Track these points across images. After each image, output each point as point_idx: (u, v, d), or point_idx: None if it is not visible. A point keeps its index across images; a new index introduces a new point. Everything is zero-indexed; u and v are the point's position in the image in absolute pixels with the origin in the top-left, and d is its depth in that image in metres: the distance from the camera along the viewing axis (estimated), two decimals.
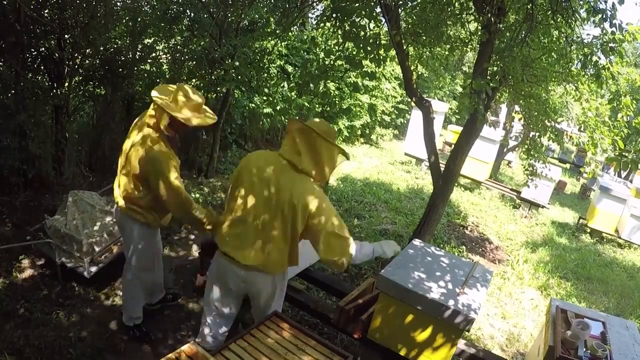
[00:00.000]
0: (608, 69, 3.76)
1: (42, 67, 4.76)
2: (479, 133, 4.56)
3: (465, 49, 4.99)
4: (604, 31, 3.52)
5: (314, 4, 5.27)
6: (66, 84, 4.91)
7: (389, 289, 2.53)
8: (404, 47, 4.29)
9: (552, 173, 8.44)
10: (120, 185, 2.87)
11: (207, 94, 6.53)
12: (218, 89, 6.25)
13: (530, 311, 4.95)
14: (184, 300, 3.75)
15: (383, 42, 4.20)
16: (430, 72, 11.41)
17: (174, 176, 2.63)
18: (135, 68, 5.84)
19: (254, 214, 2.27)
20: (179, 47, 6.26)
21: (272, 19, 6.62)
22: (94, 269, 3.52)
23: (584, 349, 2.51)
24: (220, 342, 2.61)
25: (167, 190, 2.63)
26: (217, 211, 2.89)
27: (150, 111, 2.70)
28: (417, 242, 3.15)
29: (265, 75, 7.22)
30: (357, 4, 4.00)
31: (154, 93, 2.68)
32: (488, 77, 3.75)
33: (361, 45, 4.06)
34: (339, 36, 4.31)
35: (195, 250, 4.56)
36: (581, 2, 3.84)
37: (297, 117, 2.76)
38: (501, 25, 3.71)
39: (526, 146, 5.42)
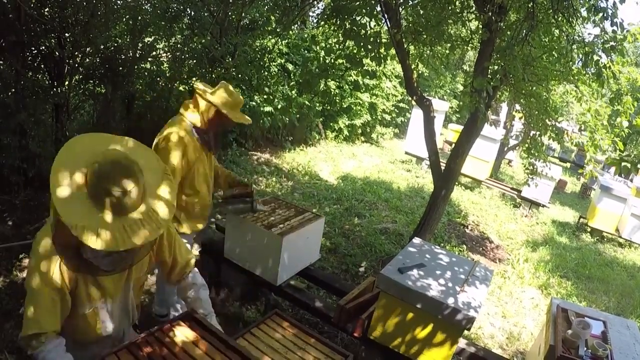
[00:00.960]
0: (609, 67, 3.76)
1: (43, 66, 4.75)
2: (480, 132, 4.56)
3: (466, 47, 4.98)
4: (605, 30, 3.52)
5: (315, 2, 5.26)
6: (66, 83, 4.91)
7: (389, 287, 2.53)
8: (405, 46, 4.29)
9: (552, 172, 8.43)
10: None
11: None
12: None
13: (531, 310, 4.95)
14: None
15: (383, 40, 4.20)
16: (430, 71, 11.42)
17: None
18: (136, 67, 5.84)
19: None
20: (179, 45, 6.26)
21: (272, 18, 6.62)
22: None
23: (585, 348, 2.51)
24: None
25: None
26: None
27: (189, 103, 2.68)
28: (417, 240, 3.15)
29: (266, 73, 7.22)
30: (357, 3, 4.00)
31: (199, 86, 2.66)
32: (489, 75, 3.75)
33: (362, 43, 4.05)
34: (340, 35, 4.31)
35: (196, 249, 4.56)
36: (582, 1, 3.84)
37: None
38: (502, 24, 3.71)
39: (527, 145, 5.42)
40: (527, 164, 5.58)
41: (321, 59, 6.37)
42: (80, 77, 5.26)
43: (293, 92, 8.63)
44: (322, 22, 4.47)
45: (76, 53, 4.95)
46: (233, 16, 6.18)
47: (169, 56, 6.44)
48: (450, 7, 4.25)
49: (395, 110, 13.08)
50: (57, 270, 1.57)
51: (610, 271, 6.84)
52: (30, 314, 1.56)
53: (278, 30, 5.93)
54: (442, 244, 5.90)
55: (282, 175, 7.41)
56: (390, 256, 4.93)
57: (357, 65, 4.39)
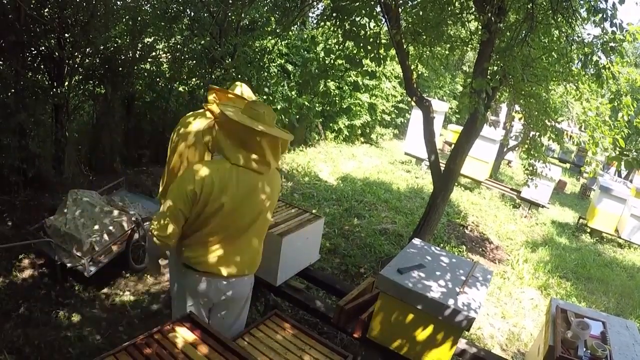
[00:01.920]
0: (608, 68, 3.76)
1: (42, 66, 4.75)
2: (479, 133, 4.56)
3: (465, 48, 4.99)
4: (604, 31, 3.52)
5: (314, 3, 5.26)
6: (66, 83, 4.91)
7: (388, 288, 2.53)
8: (404, 47, 4.29)
9: (552, 173, 8.43)
10: None
11: (206, 93, 6.53)
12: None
13: (530, 311, 4.95)
14: None
15: (383, 41, 4.20)
16: (430, 72, 11.41)
17: None
18: (135, 67, 5.84)
19: (239, 229, 2.14)
20: (179, 46, 6.26)
21: (272, 18, 6.62)
22: (93, 268, 3.51)
23: (584, 349, 2.51)
24: None
25: None
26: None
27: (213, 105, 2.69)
28: (417, 241, 3.15)
29: (266, 74, 7.21)
30: (357, 3, 4.00)
31: (240, 89, 2.71)
32: (488, 76, 3.75)
33: (361, 44, 4.06)
34: (339, 35, 4.31)
35: None
36: (581, 2, 3.84)
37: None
38: (501, 25, 3.71)
39: (526, 146, 5.42)
40: (527, 164, 5.58)
41: (321, 59, 6.39)
42: (80, 77, 5.27)
43: (293, 92, 8.63)
44: (322, 23, 4.48)
45: (76, 53, 4.95)
46: (233, 17, 6.18)
47: (169, 57, 6.44)
48: (449, 8, 4.26)
49: (395, 110, 13.08)
50: None
51: (609, 272, 6.84)
52: None
53: (278, 31, 5.93)
54: (441, 245, 5.90)
55: (281, 176, 7.42)
56: (389, 257, 4.93)
57: (357, 65, 4.39)
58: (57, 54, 4.64)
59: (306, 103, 8.90)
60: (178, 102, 6.64)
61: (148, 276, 3.91)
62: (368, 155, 10.94)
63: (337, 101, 10.37)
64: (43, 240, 3.58)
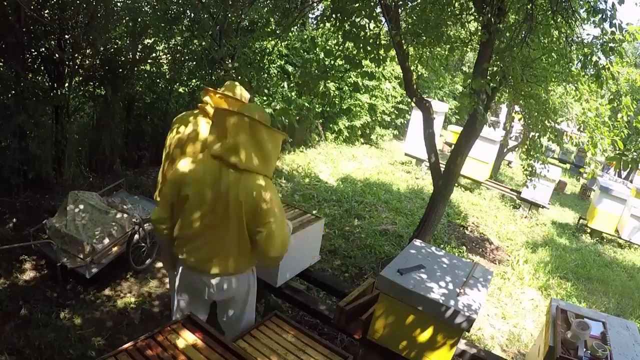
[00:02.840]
0: (608, 69, 3.77)
1: (43, 68, 4.76)
2: (479, 133, 4.56)
3: (465, 49, 4.99)
4: (604, 31, 3.53)
5: (314, 4, 5.27)
6: (66, 85, 4.91)
7: (389, 289, 2.53)
8: (404, 47, 4.29)
9: (552, 173, 8.43)
10: None
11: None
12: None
13: (531, 311, 4.95)
14: None
15: (383, 42, 4.21)
16: (430, 72, 11.42)
17: None
18: (135, 68, 5.85)
19: (209, 224, 2.12)
20: (179, 47, 6.27)
21: (272, 19, 6.62)
22: (94, 269, 3.51)
23: (584, 349, 2.51)
24: None
25: None
26: None
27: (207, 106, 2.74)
28: (417, 242, 3.15)
29: (265, 75, 7.22)
30: (357, 4, 4.01)
31: (231, 90, 2.77)
32: (488, 77, 3.76)
33: (361, 45, 4.07)
34: (339, 36, 4.31)
35: None
36: (581, 2, 3.85)
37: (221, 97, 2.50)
38: (501, 26, 3.71)
39: (526, 146, 5.42)
40: (526, 165, 5.58)
41: (321, 60, 6.40)
42: (80, 78, 5.27)
43: (293, 93, 8.64)
44: (322, 24, 4.48)
45: (76, 55, 4.96)
46: (233, 18, 6.19)
47: (169, 58, 6.45)
48: (449, 9, 4.26)
49: (395, 111, 13.08)
50: None
51: (609, 272, 6.84)
52: None
53: (278, 32, 5.94)
54: (441, 246, 5.90)
55: (282, 177, 7.42)
56: (390, 258, 4.93)
57: (357, 66, 4.40)
58: (57, 55, 4.64)
59: (306, 104, 8.90)
60: (178, 104, 6.64)
61: (149, 277, 3.92)
62: (368, 156, 10.94)
63: (337, 102, 10.37)
64: (44, 241, 3.58)
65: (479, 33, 4.01)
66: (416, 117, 9.71)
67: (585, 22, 3.92)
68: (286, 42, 8.87)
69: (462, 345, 2.83)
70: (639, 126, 4.53)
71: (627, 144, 11.72)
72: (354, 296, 2.91)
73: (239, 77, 6.14)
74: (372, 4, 4.07)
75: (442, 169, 4.67)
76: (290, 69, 8.82)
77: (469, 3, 4.19)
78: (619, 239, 8.72)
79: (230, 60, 5.91)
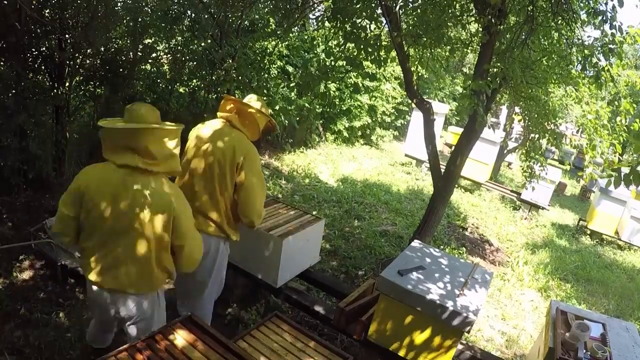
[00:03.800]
0: (608, 70, 3.77)
1: (43, 67, 4.76)
2: (479, 134, 4.57)
3: (465, 50, 5.00)
4: (604, 33, 3.53)
5: (315, 5, 5.27)
6: (67, 84, 4.91)
7: (388, 290, 2.54)
8: (405, 49, 4.30)
9: (552, 175, 8.44)
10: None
11: (207, 94, 6.53)
12: (218, 89, 6.26)
13: (530, 313, 4.95)
14: None
15: (384, 43, 4.21)
16: (430, 74, 11.40)
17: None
18: (136, 68, 5.84)
19: (111, 234, 2.05)
20: (179, 47, 6.27)
21: (272, 20, 6.62)
22: None
23: (584, 351, 2.51)
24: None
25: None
26: None
27: (243, 120, 2.79)
28: (417, 243, 3.15)
29: (266, 75, 7.22)
30: (358, 5, 4.01)
31: (256, 104, 2.79)
32: (488, 78, 3.76)
33: (362, 46, 4.07)
34: (340, 37, 4.32)
35: None
36: (581, 5, 3.85)
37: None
38: (502, 27, 3.72)
39: (526, 148, 5.42)
40: (526, 167, 5.58)
41: (321, 61, 6.40)
42: (81, 78, 5.27)
43: (293, 94, 8.64)
44: (322, 25, 4.49)
45: (76, 55, 4.95)
46: (233, 18, 6.19)
47: (169, 58, 6.45)
48: (450, 10, 4.27)
49: (395, 112, 13.09)
50: None
51: (609, 274, 6.84)
52: None
53: (278, 32, 5.94)
54: (441, 247, 5.90)
55: (282, 178, 7.42)
56: (390, 258, 4.93)
57: (357, 67, 4.41)
58: (57, 55, 4.64)
59: (306, 104, 8.90)
60: (179, 104, 6.64)
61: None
62: (368, 156, 10.94)
63: (337, 103, 10.38)
64: (44, 241, 3.58)
65: (480, 34, 4.02)
66: (416, 118, 9.71)
67: (586, 24, 3.92)
68: (286, 43, 8.88)
69: (461, 346, 2.83)
70: (636, 129, 4.50)
71: (627, 145, 11.71)
72: (354, 297, 2.92)
73: (239, 78, 6.14)
74: (373, 5, 4.07)
75: (443, 170, 4.67)
76: (290, 69, 8.83)
77: (469, 4, 4.19)
78: (619, 240, 8.73)
79: (230, 61, 5.91)
